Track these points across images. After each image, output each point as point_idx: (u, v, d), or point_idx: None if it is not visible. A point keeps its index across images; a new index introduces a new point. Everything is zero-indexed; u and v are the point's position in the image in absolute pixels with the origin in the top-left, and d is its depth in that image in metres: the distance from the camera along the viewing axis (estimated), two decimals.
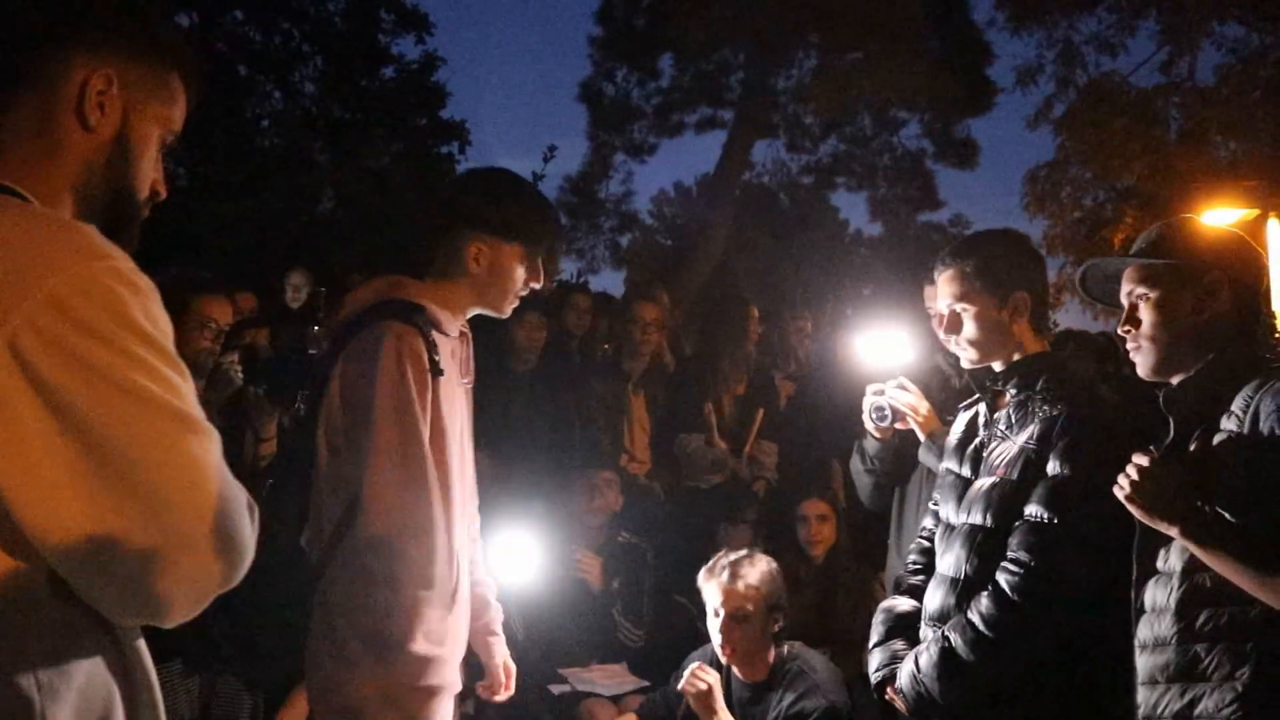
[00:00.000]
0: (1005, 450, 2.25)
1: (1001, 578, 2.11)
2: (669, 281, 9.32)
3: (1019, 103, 11.52)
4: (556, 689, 3.91)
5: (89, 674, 1.09)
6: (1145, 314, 1.96)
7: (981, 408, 2.42)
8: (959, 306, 2.35)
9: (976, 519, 2.23)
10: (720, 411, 4.70)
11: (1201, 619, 1.77)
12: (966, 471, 2.36)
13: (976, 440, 2.38)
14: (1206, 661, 1.75)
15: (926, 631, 2.29)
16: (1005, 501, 2.18)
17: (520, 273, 2.21)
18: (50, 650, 1.06)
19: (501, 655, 2.47)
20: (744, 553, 3.25)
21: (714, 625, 3.17)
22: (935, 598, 2.28)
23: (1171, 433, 1.92)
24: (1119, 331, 2.03)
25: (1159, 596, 1.85)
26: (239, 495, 1.09)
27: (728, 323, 4.96)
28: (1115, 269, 2.06)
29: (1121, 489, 1.84)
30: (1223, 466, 1.78)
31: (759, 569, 3.19)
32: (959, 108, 12.56)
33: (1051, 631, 2.08)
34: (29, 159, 1.19)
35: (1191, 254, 1.96)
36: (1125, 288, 2.01)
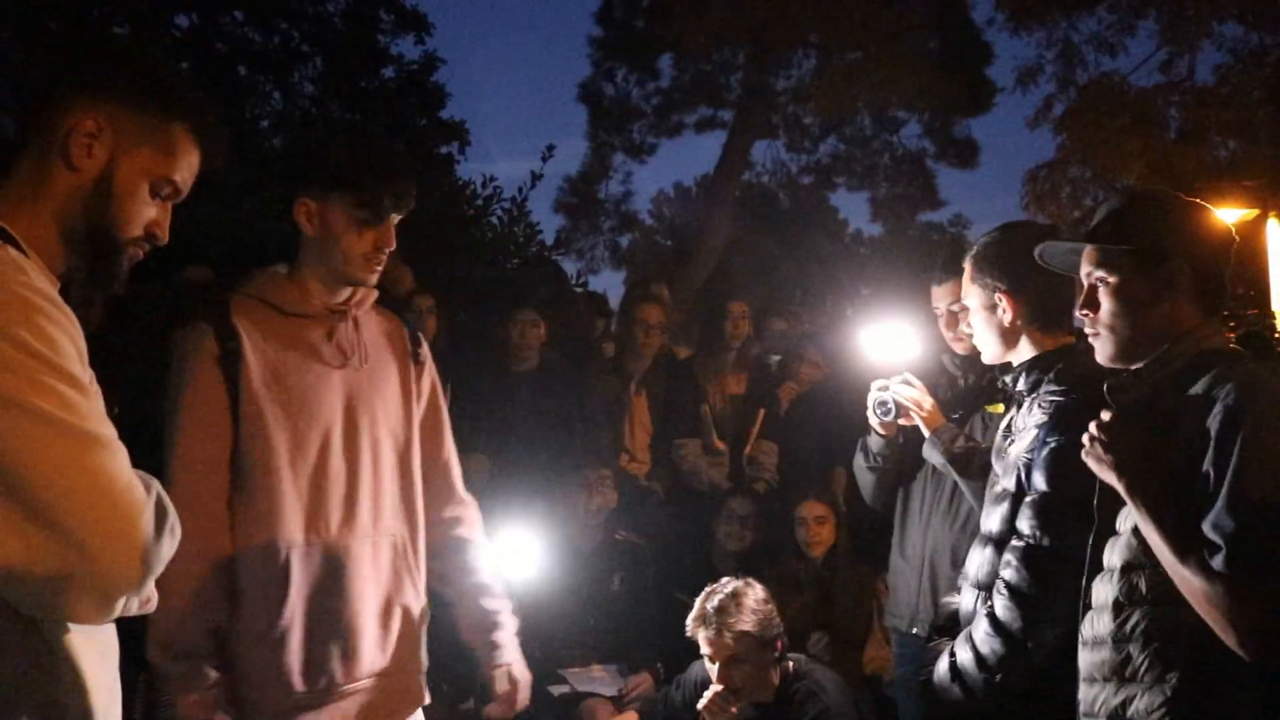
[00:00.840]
0: (1013, 455, 2.25)
1: (995, 598, 2.12)
2: (669, 282, 9.32)
3: (1019, 102, 11.54)
4: (557, 689, 3.92)
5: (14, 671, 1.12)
6: (1104, 300, 1.87)
7: (1014, 411, 2.39)
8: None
9: (991, 528, 2.24)
10: (713, 411, 4.69)
11: (1135, 618, 1.74)
12: (996, 473, 2.36)
13: (1007, 443, 2.36)
14: (1138, 661, 1.72)
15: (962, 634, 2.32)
16: (1007, 513, 2.19)
17: (356, 233, 1.99)
18: None
19: (508, 672, 2.26)
20: (729, 590, 3.15)
21: (711, 670, 3.15)
22: (965, 601, 2.30)
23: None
24: (1078, 314, 1.94)
25: (1101, 593, 1.83)
26: (137, 501, 1.13)
27: (710, 322, 4.98)
28: (1074, 246, 1.97)
29: (1085, 446, 1.80)
30: (1179, 454, 1.72)
31: (747, 606, 3.11)
32: (959, 107, 12.56)
33: (1039, 654, 2.06)
34: (21, 195, 1.29)
35: (1152, 238, 1.85)
36: (1084, 268, 1.92)
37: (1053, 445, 2.10)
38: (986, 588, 2.19)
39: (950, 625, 2.41)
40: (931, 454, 2.80)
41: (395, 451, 2.10)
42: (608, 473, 4.30)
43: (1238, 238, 1.91)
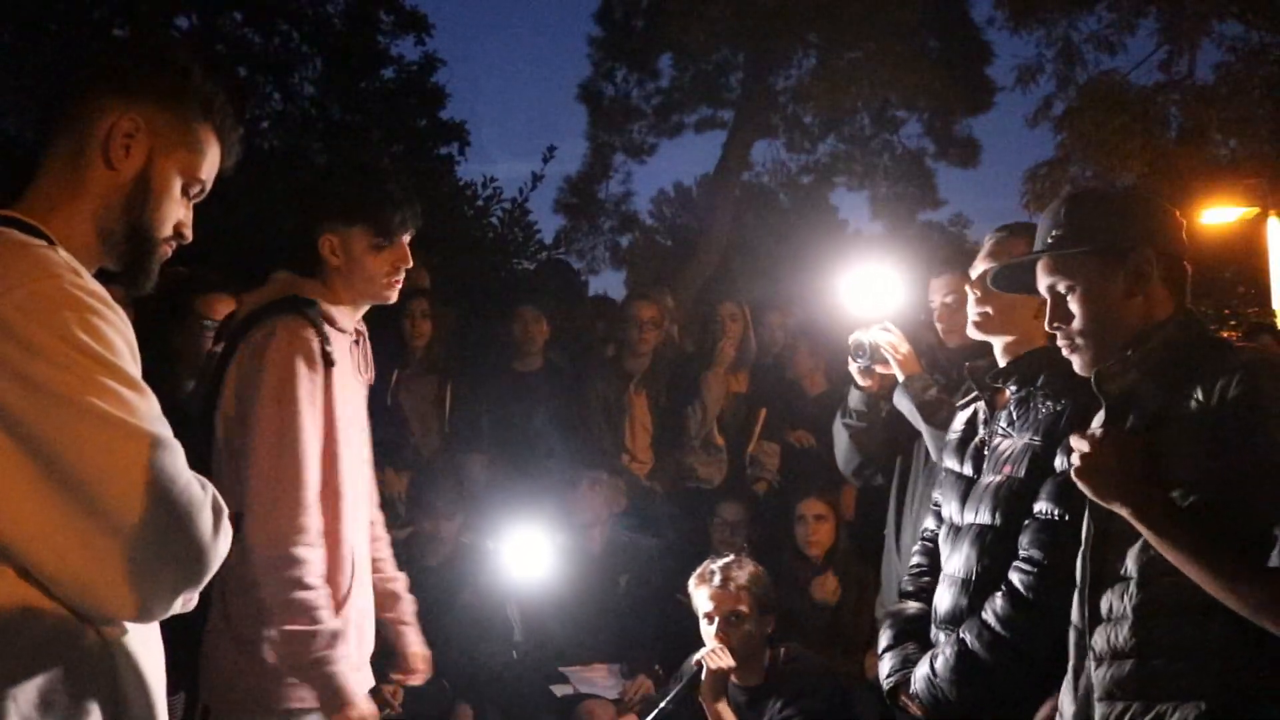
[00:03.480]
0: (1009, 447, 2.23)
1: (1015, 577, 2.09)
2: (670, 282, 9.31)
3: (1019, 101, 11.53)
4: (559, 689, 3.92)
5: (51, 678, 1.13)
6: (1075, 308, 1.78)
7: (980, 405, 2.40)
8: (995, 266, 2.28)
9: (984, 518, 2.20)
10: (705, 409, 4.69)
11: (1160, 630, 1.63)
12: (968, 470, 2.33)
13: (977, 438, 2.35)
14: (1168, 676, 1.61)
15: (938, 634, 2.26)
16: (1013, 499, 2.15)
17: (375, 256, 2.19)
18: (11, 653, 1.11)
19: (415, 643, 2.48)
20: (730, 558, 3.25)
21: (709, 631, 3.16)
22: (945, 599, 2.25)
23: (1102, 413, 1.80)
24: (1047, 329, 1.84)
25: (1116, 604, 1.71)
26: (195, 500, 1.14)
27: (707, 322, 4.99)
28: (1028, 265, 1.88)
29: (1074, 465, 1.69)
30: (1182, 454, 1.63)
31: (747, 571, 3.19)
32: (959, 107, 12.53)
33: (1067, 628, 2.06)
34: (56, 195, 1.29)
35: (1110, 234, 1.77)
36: (1043, 281, 1.82)
37: (1083, 427, 2.09)
38: (980, 579, 2.16)
39: (910, 632, 2.36)
40: (901, 400, 2.76)
41: (366, 458, 2.32)
42: (615, 475, 4.32)
43: (1191, 223, 1.83)
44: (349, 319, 2.23)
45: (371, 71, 10.24)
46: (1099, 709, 1.72)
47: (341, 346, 2.17)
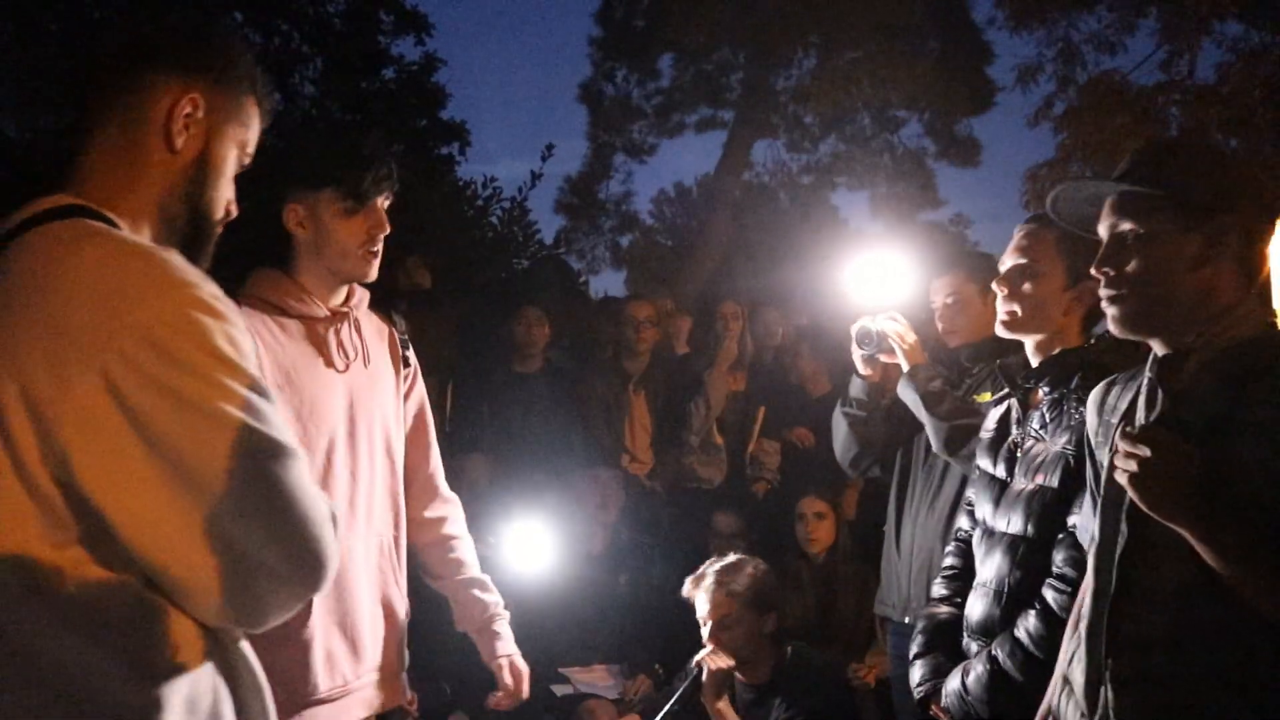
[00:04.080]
0: (1042, 452, 2.15)
1: (1048, 594, 2.03)
2: (670, 282, 9.30)
3: (1019, 101, 11.49)
4: (560, 690, 3.91)
5: (194, 681, 1.14)
6: (1134, 256, 1.55)
7: (1013, 404, 2.32)
8: (1024, 261, 2.21)
9: (1016, 528, 2.13)
10: (710, 408, 4.69)
11: (1198, 659, 1.47)
12: (1001, 472, 2.27)
13: (1010, 439, 2.28)
14: (1200, 711, 1.48)
15: (970, 644, 2.21)
16: (1046, 510, 2.08)
17: (346, 222, 1.98)
18: (156, 659, 1.11)
19: (499, 654, 2.29)
20: (730, 559, 3.22)
21: (704, 633, 3.17)
22: (978, 608, 2.19)
23: (1159, 407, 1.56)
24: (1094, 271, 1.62)
25: (1146, 622, 1.54)
26: (321, 511, 1.14)
27: (705, 323, 4.99)
28: (1095, 192, 1.64)
29: (1127, 471, 1.45)
30: (1250, 465, 1.43)
31: (744, 572, 3.17)
32: (959, 107, 12.53)
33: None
34: (115, 181, 1.24)
35: (1199, 186, 1.52)
36: (1107, 219, 1.60)
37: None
38: (1014, 591, 2.09)
39: (942, 638, 2.31)
40: (905, 391, 2.73)
41: (387, 453, 2.12)
42: (616, 474, 4.32)
43: None
44: (316, 301, 2.02)
45: (372, 71, 10.23)
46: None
47: (298, 336, 1.98)
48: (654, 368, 4.84)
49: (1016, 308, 2.23)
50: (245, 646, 1.23)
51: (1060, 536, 2.06)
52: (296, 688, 1.94)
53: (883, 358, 2.83)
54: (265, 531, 1.08)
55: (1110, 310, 1.60)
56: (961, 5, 12.22)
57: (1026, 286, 2.21)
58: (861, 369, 2.91)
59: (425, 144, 10.18)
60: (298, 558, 1.11)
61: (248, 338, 1.15)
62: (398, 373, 2.19)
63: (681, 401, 4.72)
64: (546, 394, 4.63)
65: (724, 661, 3.07)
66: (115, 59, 1.27)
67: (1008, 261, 2.26)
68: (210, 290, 1.13)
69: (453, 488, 2.35)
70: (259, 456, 1.08)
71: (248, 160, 1.36)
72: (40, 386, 1.05)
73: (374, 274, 2.06)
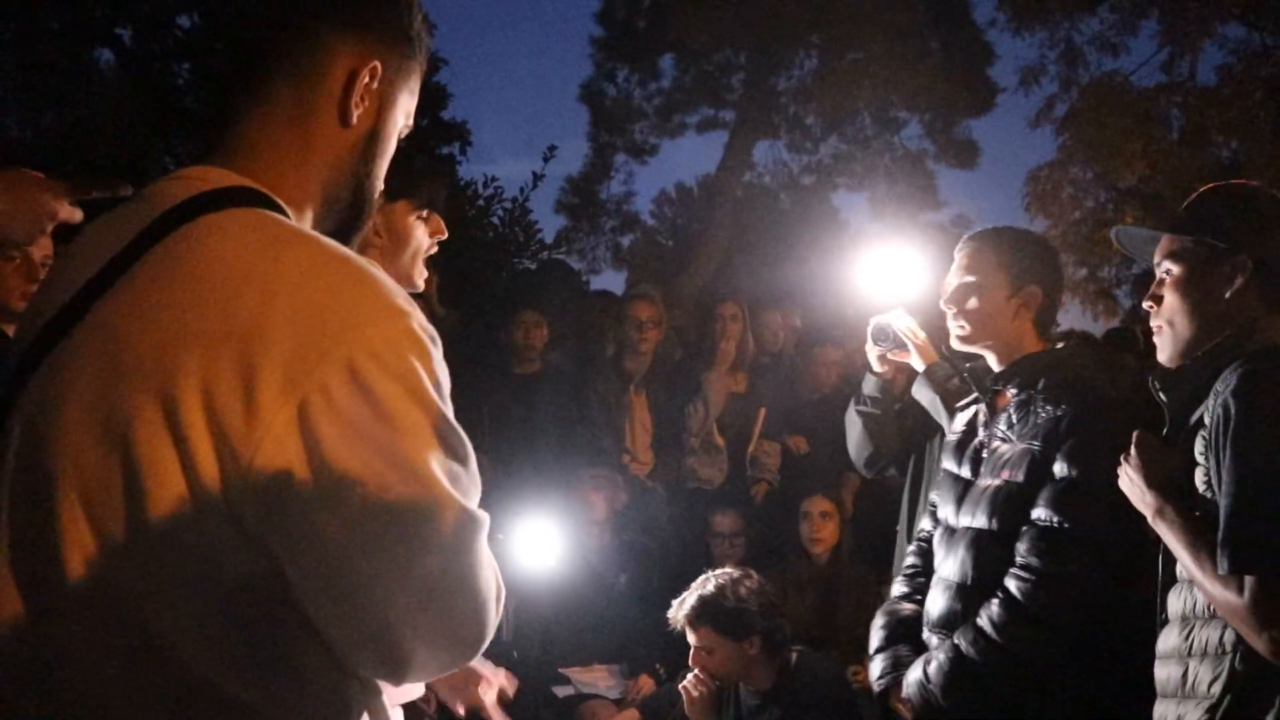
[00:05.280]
0: (1008, 452, 2.20)
1: (1011, 584, 2.08)
2: (670, 282, 9.30)
3: (1020, 103, 11.51)
4: (560, 690, 3.91)
5: None
6: (1167, 294, 1.81)
7: (981, 407, 2.38)
8: (970, 279, 2.30)
9: (980, 522, 2.18)
10: (709, 409, 4.69)
11: (1195, 633, 1.68)
12: (966, 472, 2.32)
13: (976, 441, 2.34)
14: (1194, 678, 1.67)
15: (931, 638, 2.25)
16: (1010, 504, 2.14)
17: (421, 227, 2.06)
18: (325, 706, 1.01)
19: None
20: (711, 586, 3.16)
21: (690, 656, 3.17)
22: (939, 603, 2.24)
23: (1167, 421, 1.82)
24: (1144, 305, 1.88)
25: (1174, 605, 1.77)
26: (492, 589, 1.02)
27: (705, 323, 4.99)
28: (1150, 235, 1.90)
29: (1125, 472, 1.75)
30: (1197, 464, 1.69)
31: (717, 602, 3.12)
32: (960, 108, 12.53)
33: (1063, 637, 2.04)
34: (282, 158, 1.09)
35: (1222, 231, 1.76)
36: (1156, 258, 1.85)
37: (1079, 433, 2.09)
38: (974, 584, 2.15)
39: (902, 633, 2.36)
40: (921, 391, 2.74)
41: None
42: (616, 474, 4.32)
43: None
44: None
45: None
46: (1156, 706, 1.77)
47: None
48: (655, 368, 4.84)
49: (965, 324, 2.32)
50: (388, 702, 1.11)
51: (1024, 529, 2.10)
52: None
53: (894, 355, 2.83)
54: (439, 614, 0.97)
55: (1156, 342, 1.85)
56: (963, 7, 12.23)
57: (972, 302, 2.30)
58: (876, 366, 2.91)
59: (426, 144, 10.17)
60: (463, 638, 1.01)
61: (445, 372, 1.01)
62: None
63: (680, 403, 4.72)
64: (546, 395, 4.64)
65: (703, 688, 3.10)
66: (286, 16, 1.09)
67: (954, 280, 2.35)
68: (421, 320, 0.98)
69: None
70: (451, 530, 0.95)
71: (408, 131, 1.21)
72: (228, 403, 0.91)
73: (423, 284, 2.14)
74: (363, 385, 0.91)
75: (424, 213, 2.06)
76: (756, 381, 4.99)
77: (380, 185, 1.19)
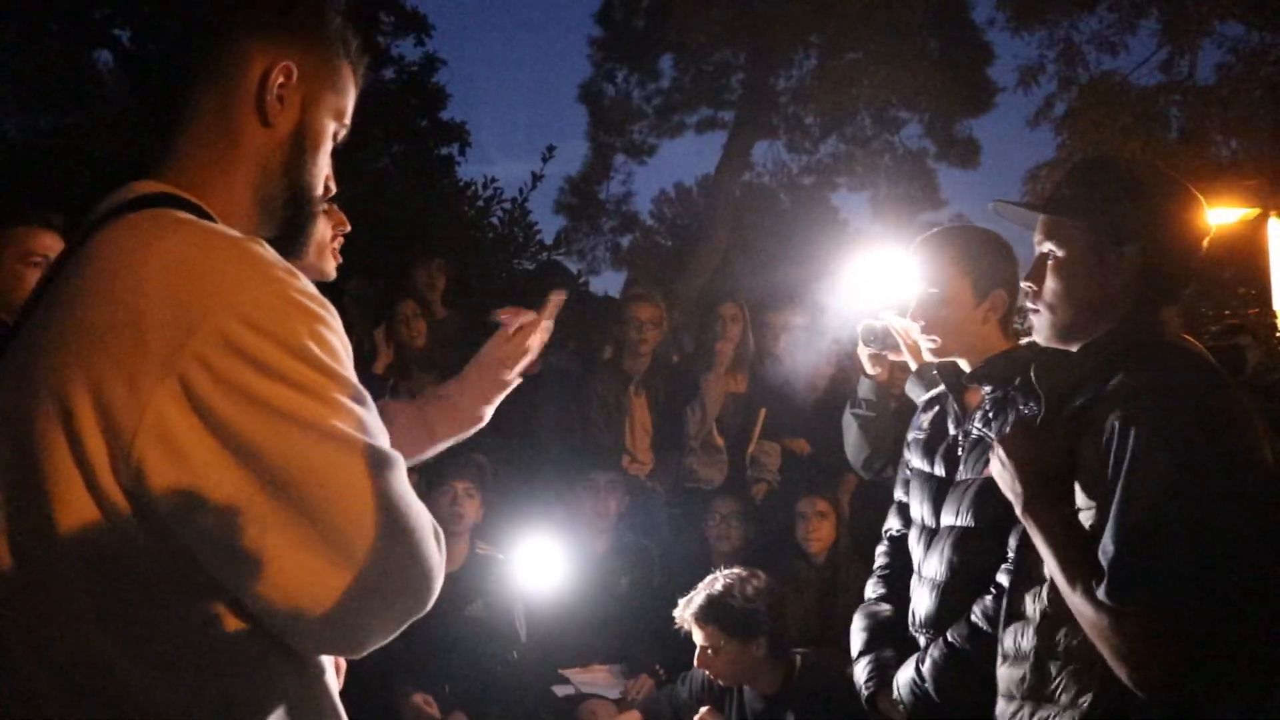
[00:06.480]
0: (985, 448, 2.17)
1: (1005, 579, 2.06)
2: (670, 282, 9.29)
3: (1020, 102, 11.52)
4: (560, 690, 3.91)
5: (285, 714, 1.04)
6: (1050, 276, 1.70)
7: (950, 405, 2.36)
8: (934, 290, 2.27)
9: (964, 521, 2.17)
10: (707, 410, 4.68)
11: (1059, 635, 1.61)
12: (940, 470, 2.29)
13: (949, 439, 2.32)
14: (1056, 682, 1.60)
15: (919, 638, 2.23)
16: (994, 500, 2.06)
17: (322, 223, 2.10)
18: (229, 689, 1.02)
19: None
20: (720, 585, 3.16)
21: (695, 656, 3.17)
22: (925, 602, 2.22)
23: (1041, 408, 1.74)
24: (1023, 285, 1.78)
25: (1033, 604, 1.68)
26: (424, 522, 1.02)
27: (705, 324, 4.98)
28: (1024, 217, 1.80)
29: (997, 455, 1.70)
30: (1078, 458, 1.61)
31: (724, 600, 3.11)
32: (960, 107, 12.54)
33: None
34: (206, 162, 1.13)
35: (1110, 217, 1.66)
36: (1036, 236, 1.74)
37: None
38: (955, 581, 2.14)
39: (884, 636, 2.34)
40: (914, 390, 2.73)
41: None
42: (617, 478, 4.32)
43: (1209, 230, 1.72)
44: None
45: (372, 72, 10.24)
46: (999, 705, 1.72)
47: None
48: (655, 368, 4.84)
49: (936, 337, 2.29)
50: (330, 679, 1.13)
51: (1016, 524, 2.07)
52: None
53: (890, 355, 2.83)
54: (374, 552, 0.96)
55: (1031, 320, 1.77)
56: (962, 6, 12.23)
57: (940, 315, 2.27)
58: (869, 368, 2.91)
59: (425, 144, 10.18)
60: (407, 577, 0.99)
61: (342, 337, 1.04)
62: None
63: (680, 403, 4.71)
64: (546, 394, 4.63)
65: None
66: (200, 28, 1.14)
67: (919, 290, 2.31)
68: (300, 284, 1.02)
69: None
70: (355, 466, 0.96)
71: (345, 131, 1.24)
72: (113, 392, 0.95)
73: (334, 273, 2.08)
74: (239, 350, 0.95)
75: (324, 205, 2.07)
76: (756, 381, 4.99)
77: (319, 183, 1.21)
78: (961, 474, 2.24)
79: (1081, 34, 11.18)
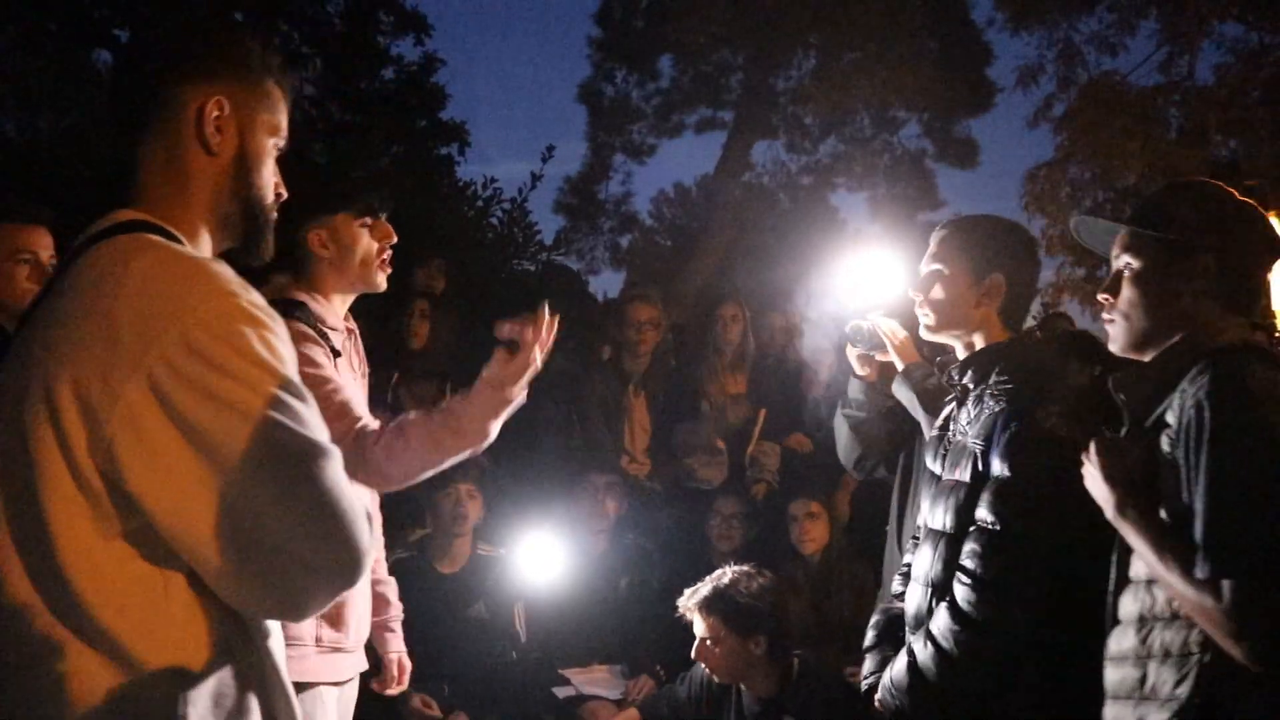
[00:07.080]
0: (959, 449, 2.19)
1: (956, 589, 2.05)
2: (670, 282, 9.29)
3: (1019, 102, 11.50)
4: (560, 691, 3.91)
5: (220, 679, 1.20)
6: (1126, 287, 1.80)
7: (953, 402, 2.35)
8: (936, 267, 2.28)
9: (938, 523, 2.17)
10: (713, 407, 4.68)
11: (1155, 634, 1.67)
12: (938, 467, 2.29)
13: (946, 437, 2.31)
14: (1154, 680, 1.65)
15: (908, 636, 2.24)
16: (960, 504, 2.11)
17: (367, 234, 2.24)
18: (184, 655, 1.18)
19: (396, 650, 2.62)
20: (726, 579, 3.17)
21: (694, 648, 3.17)
22: (913, 601, 2.23)
23: (1126, 421, 1.82)
24: (1099, 297, 1.87)
25: (1130, 607, 1.75)
26: (355, 507, 1.19)
27: (705, 324, 4.98)
28: (1109, 228, 1.90)
29: (1087, 469, 1.77)
30: (1157, 461, 1.70)
31: (728, 595, 3.13)
32: (959, 107, 12.54)
33: (1009, 641, 2.00)
34: (167, 192, 1.31)
35: (1185, 228, 1.76)
36: (1114, 250, 1.85)
37: (1013, 430, 2.05)
38: (938, 585, 2.13)
39: (892, 632, 2.34)
40: (900, 390, 2.72)
41: None
42: (616, 479, 4.31)
43: None
44: (337, 315, 2.27)
45: (371, 71, 10.23)
46: (1106, 708, 1.76)
47: (336, 343, 2.21)
48: (654, 369, 4.84)
49: (930, 312, 2.30)
50: (274, 645, 1.28)
51: (970, 530, 2.07)
52: (345, 633, 2.21)
53: (877, 356, 2.83)
54: (301, 526, 1.14)
55: (1108, 331, 1.85)
56: (961, 6, 12.24)
57: (936, 291, 2.28)
58: (858, 369, 2.91)
59: (425, 144, 10.17)
60: (333, 551, 1.16)
61: (287, 344, 1.21)
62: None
63: (681, 409, 4.71)
64: (546, 395, 4.63)
65: None
66: (139, 79, 1.33)
67: (922, 269, 2.34)
68: (251, 298, 1.19)
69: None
70: (293, 455, 1.14)
71: (283, 142, 1.41)
72: (92, 387, 1.13)
73: (384, 285, 2.30)
74: (198, 351, 1.13)
75: (368, 220, 2.22)
76: (756, 381, 4.99)
77: (268, 194, 1.39)
78: (944, 474, 2.23)
79: (1081, 34, 11.18)
